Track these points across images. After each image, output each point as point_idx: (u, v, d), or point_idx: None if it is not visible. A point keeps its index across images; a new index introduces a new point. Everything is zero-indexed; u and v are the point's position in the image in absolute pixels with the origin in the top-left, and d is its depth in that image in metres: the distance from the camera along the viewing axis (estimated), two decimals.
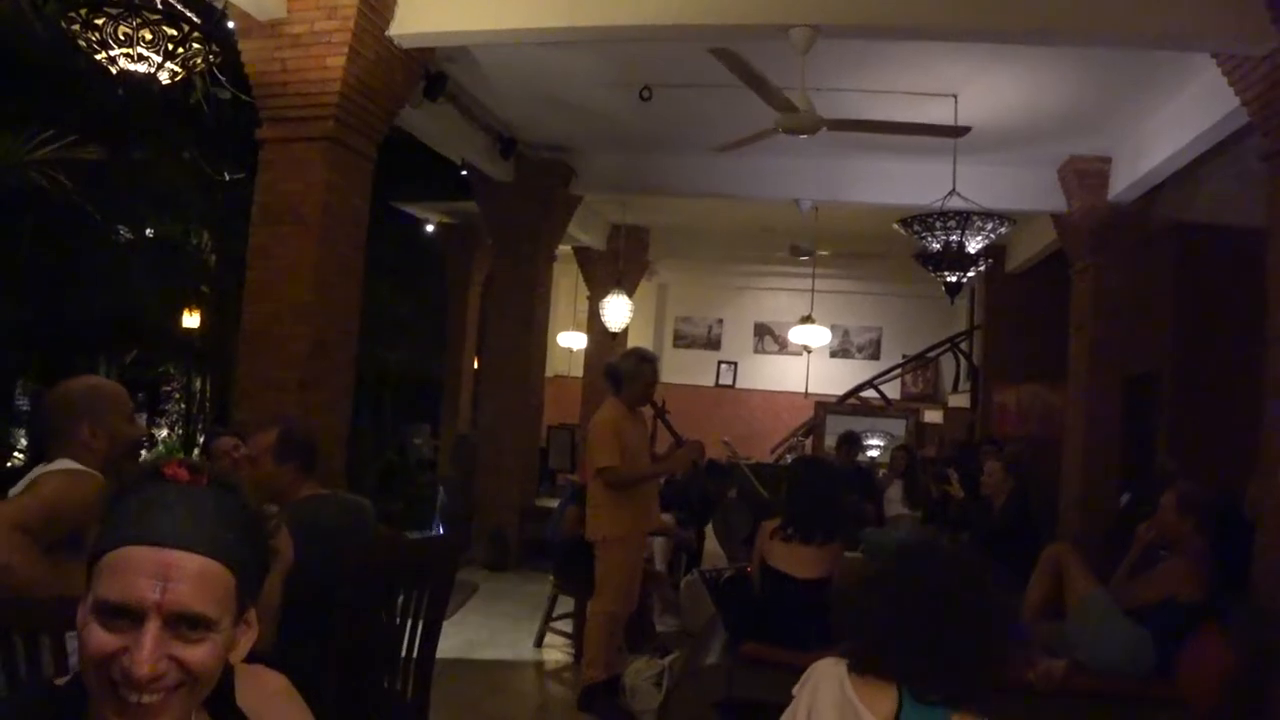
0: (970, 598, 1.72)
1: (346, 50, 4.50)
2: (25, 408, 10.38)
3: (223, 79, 5.03)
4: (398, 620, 3.01)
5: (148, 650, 1.00)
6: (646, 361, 4.89)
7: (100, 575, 1.04)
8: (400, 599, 3.02)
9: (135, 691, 1.00)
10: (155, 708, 1.01)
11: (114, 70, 3.54)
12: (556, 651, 5.73)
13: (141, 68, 3.55)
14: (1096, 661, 3.78)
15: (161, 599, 1.02)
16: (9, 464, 9.24)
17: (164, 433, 12.80)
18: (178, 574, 1.03)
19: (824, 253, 9.32)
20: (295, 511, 2.91)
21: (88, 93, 6.23)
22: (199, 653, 1.04)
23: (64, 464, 2.43)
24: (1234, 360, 7.10)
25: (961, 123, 6.13)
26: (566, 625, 5.77)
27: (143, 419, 12.16)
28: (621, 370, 4.87)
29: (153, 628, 1.01)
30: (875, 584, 1.83)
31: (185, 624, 1.03)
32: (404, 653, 3.02)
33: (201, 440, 10.79)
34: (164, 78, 3.68)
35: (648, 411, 5.03)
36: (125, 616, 1.01)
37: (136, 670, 0.99)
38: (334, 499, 3.21)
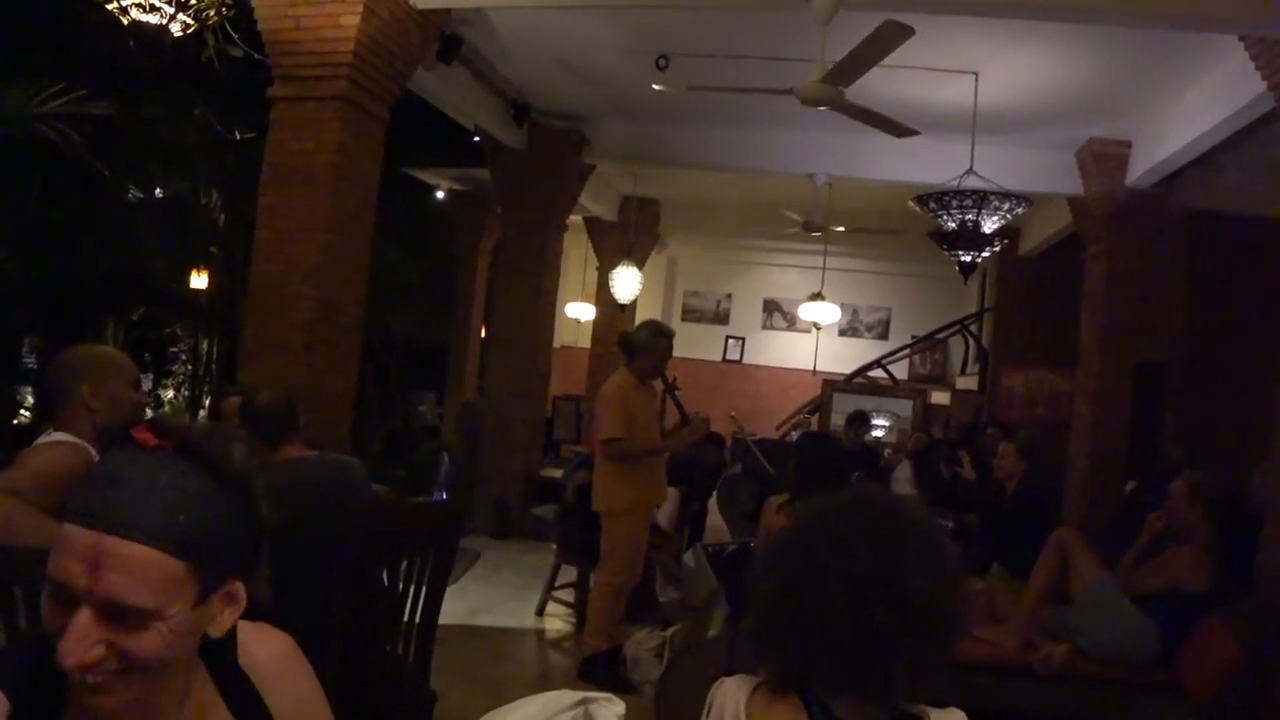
0: (891, 560, 1.25)
1: (361, 9, 4.43)
2: (33, 365, 10.39)
3: (235, 36, 4.97)
4: (400, 584, 3.00)
5: (71, 639, 0.93)
6: (662, 335, 4.87)
7: (54, 546, 0.97)
8: (404, 563, 3.02)
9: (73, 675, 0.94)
10: (102, 687, 0.96)
11: (125, 21, 3.49)
12: (558, 621, 5.74)
13: (153, 19, 3.50)
14: (1099, 647, 3.77)
15: (91, 587, 0.94)
16: (15, 421, 9.26)
17: (170, 394, 12.81)
18: (110, 561, 0.94)
19: (838, 228, 9.23)
20: (271, 473, 2.92)
21: (99, 47, 6.17)
22: (139, 643, 0.96)
23: (59, 436, 2.43)
24: (1245, 351, 7.06)
25: (982, 101, 6.07)
26: (568, 595, 5.77)
27: (149, 380, 12.19)
28: (636, 341, 4.85)
29: (83, 615, 0.94)
30: (768, 560, 1.39)
31: (118, 613, 0.95)
32: (406, 617, 3.02)
33: (208, 402, 10.81)
34: (175, 30, 3.63)
35: (658, 384, 5.01)
36: (63, 597, 0.95)
37: (60, 658, 0.93)
38: (316, 460, 3.21)
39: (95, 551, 0.94)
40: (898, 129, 5.29)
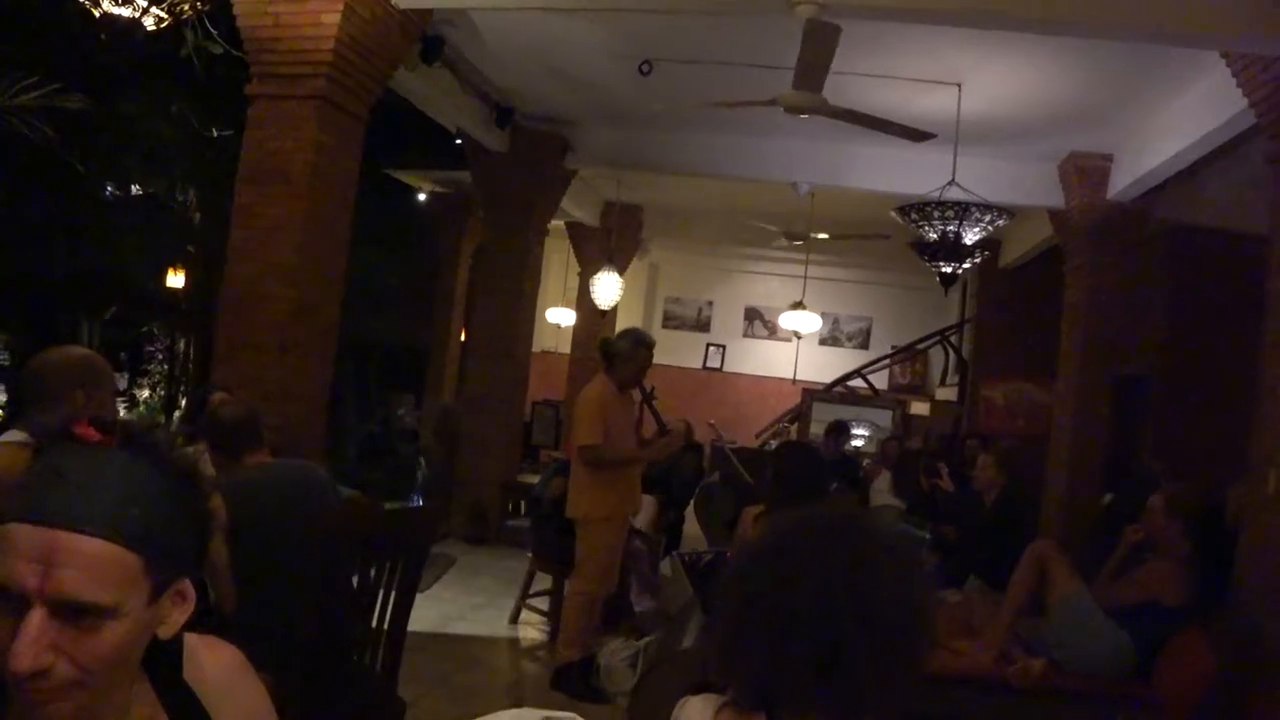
0: (858, 586, 1.19)
1: (342, 7, 4.37)
2: (5, 363, 10.25)
3: (214, 32, 4.90)
4: (369, 591, 2.96)
5: (24, 643, 0.89)
6: (643, 345, 4.83)
7: None
8: (373, 570, 2.97)
9: (19, 685, 0.89)
10: (50, 695, 0.91)
11: (97, 13, 3.42)
12: (532, 629, 5.68)
13: (126, 11, 3.43)
14: (1076, 661, 3.75)
15: (43, 586, 0.90)
16: None
17: (145, 393, 12.68)
18: (63, 557, 0.90)
19: (822, 236, 9.24)
20: (233, 478, 2.91)
21: (74, 41, 6.08)
22: (94, 645, 0.92)
23: (17, 435, 2.38)
24: (1224, 365, 7.09)
25: (965, 112, 6.08)
26: (543, 603, 5.71)
27: (124, 379, 12.08)
28: (616, 349, 4.81)
29: (35, 618, 0.90)
30: (735, 573, 1.32)
31: (73, 613, 0.91)
32: (375, 624, 2.97)
33: (183, 402, 10.70)
34: (149, 23, 3.55)
35: (637, 394, 4.97)
36: (9, 601, 0.90)
37: (12, 664, 0.88)
38: (278, 466, 3.18)
39: (47, 549, 0.91)
40: (913, 134, 5.29)
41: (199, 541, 1.04)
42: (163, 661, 1.06)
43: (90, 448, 0.97)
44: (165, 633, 1.02)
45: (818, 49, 4.33)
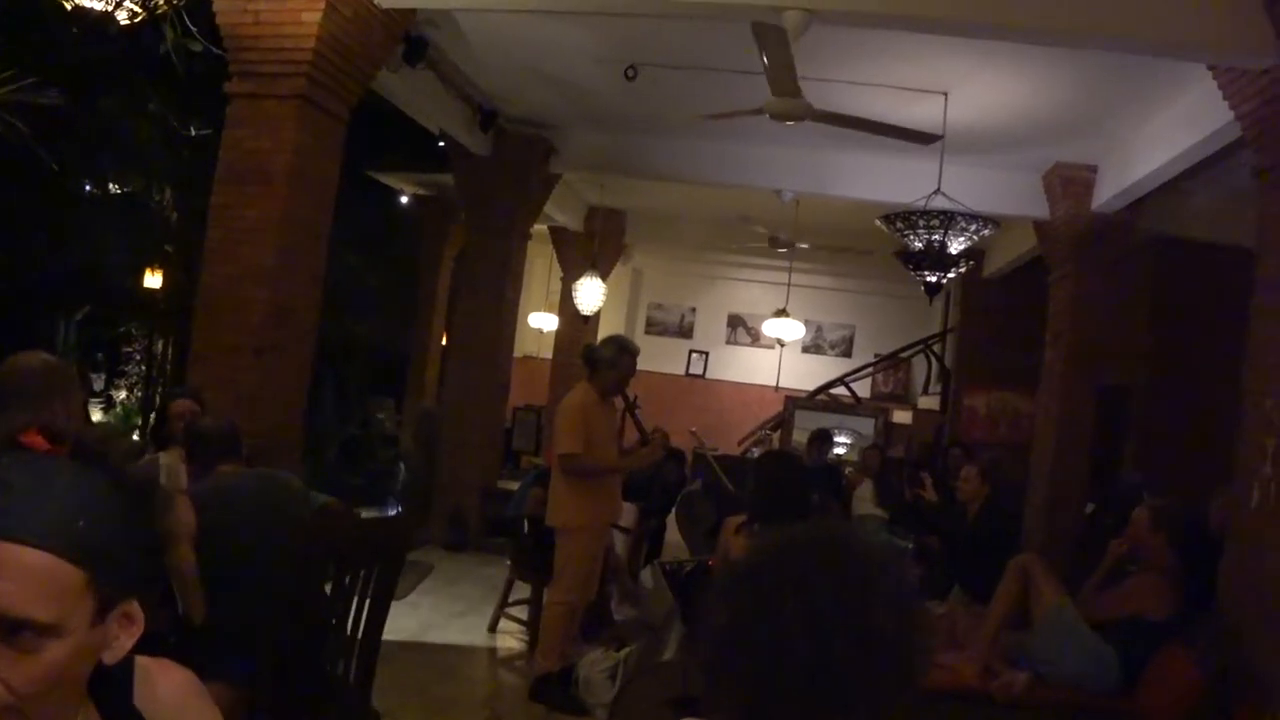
0: (848, 611, 1.13)
1: (323, 5, 4.30)
2: None
3: (193, 29, 4.82)
4: (343, 599, 2.90)
5: None
6: (627, 353, 4.80)
7: None
8: (347, 577, 2.91)
9: None
10: None
11: (69, 6, 3.34)
12: (510, 638, 5.61)
13: (98, 5, 3.35)
14: (1060, 675, 3.73)
15: None
16: None
17: (123, 394, 12.53)
18: (1, 570, 0.85)
19: (804, 245, 9.24)
20: (205, 484, 2.87)
21: (50, 35, 5.98)
22: (30, 667, 0.86)
23: None
24: (1206, 377, 7.11)
25: (951, 121, 6.05)
26: (522, 611, 5.64)
27: (101, 380, 11.93)
28: (600, 356, 4.78)
29: None
30: (721, 593, 1.25)
31: (10, 630, 0.85)
32: (349, 632, 2.91)
33: (159, 403, 10.56)
34: (122, 17, 3.47)
35: (619, 402, 4.93)
36: None
37: None
38: (251, 474, 3.14)
39: None
40: (917, 136, 5.27)
41: (149, 560, 0.99)
42: (111, 687, 0.99)
43: (39, 457, 0.92)
44: (110, 657, 0.96)
45: (773, 52, 4.31)
